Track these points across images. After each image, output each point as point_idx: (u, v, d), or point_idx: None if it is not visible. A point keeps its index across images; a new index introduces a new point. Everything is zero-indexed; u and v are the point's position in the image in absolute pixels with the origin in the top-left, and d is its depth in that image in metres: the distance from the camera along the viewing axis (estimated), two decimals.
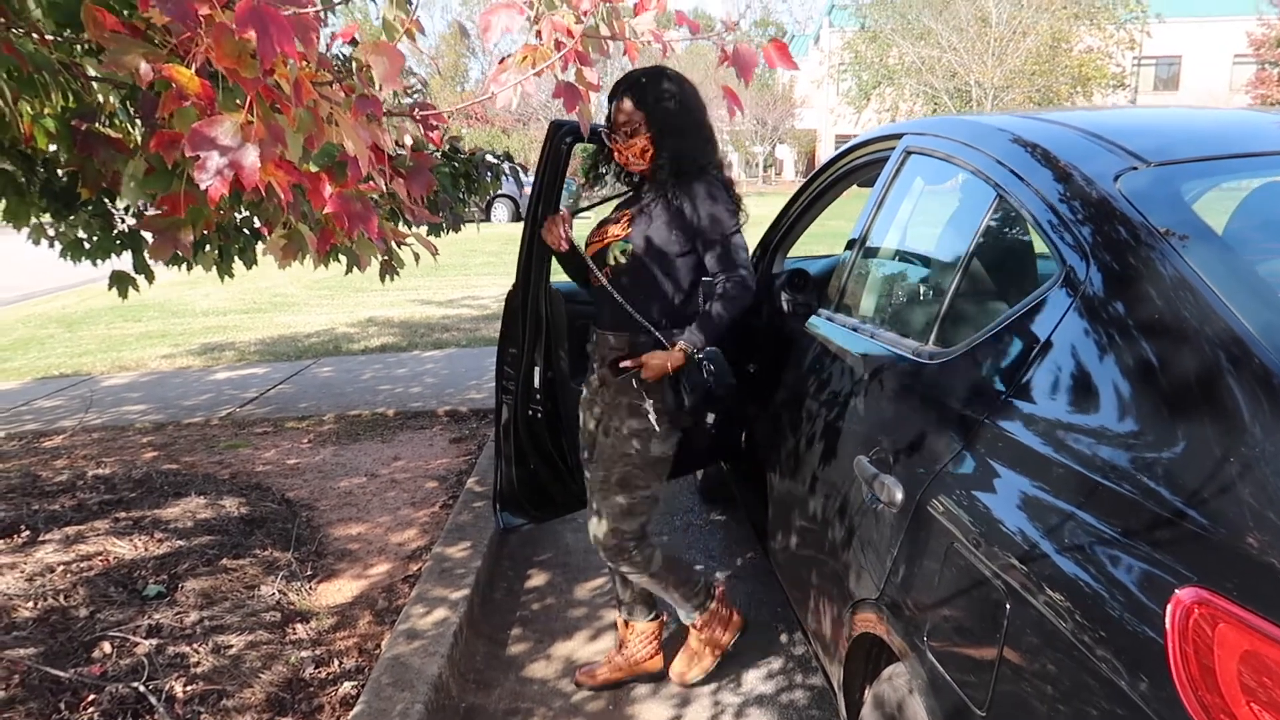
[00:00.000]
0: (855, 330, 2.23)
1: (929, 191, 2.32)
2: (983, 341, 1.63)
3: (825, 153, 52.21)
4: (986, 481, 1.44)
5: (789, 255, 3.34)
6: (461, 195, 3.07)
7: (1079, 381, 1.37)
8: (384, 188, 1.17)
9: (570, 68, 1.29)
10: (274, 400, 5.69)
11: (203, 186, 0.88)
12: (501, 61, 1.18)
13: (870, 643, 1.81)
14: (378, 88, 1.01)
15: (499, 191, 23.26)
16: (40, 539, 3.28)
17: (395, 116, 1.24)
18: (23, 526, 3.36)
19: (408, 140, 1.23)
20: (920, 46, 34.23)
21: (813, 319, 2.53)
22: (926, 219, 2.29)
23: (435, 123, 1.34)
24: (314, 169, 1.10)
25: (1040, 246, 1.65)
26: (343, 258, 1.67)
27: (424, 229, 3.27)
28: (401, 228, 2.45)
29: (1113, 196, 1.48)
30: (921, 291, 2.18)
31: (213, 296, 10.69)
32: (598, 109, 1.75)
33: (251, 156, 0.88)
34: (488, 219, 22.99)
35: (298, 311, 9.31)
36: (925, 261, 2.24)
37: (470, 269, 12.63)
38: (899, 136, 2.42)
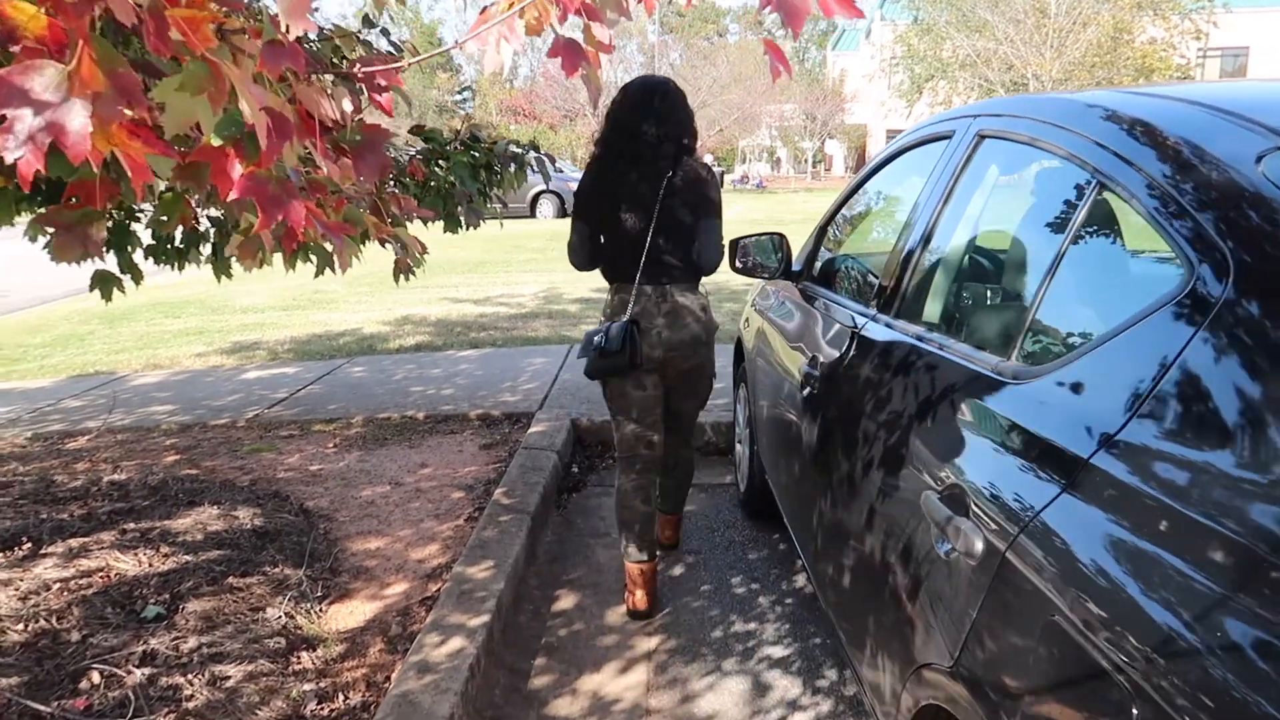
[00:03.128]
0: (920, 340, 1.94)
1: (1007, 181, 2.03)
2: (1085, 360, 1.34)
3: (876, 148, 51.39)
4: (1097, 538, 1.15)
5: (845, 251, 3.05)
6: (482, 188, 2.82)
7: (1215, 415, 1.08)
8: (325, 169, 0.92)
9: (574, 23, 1.03)
10: (303, 401, 5.52)
11: (9, 159, 0.63)
12: (483, 12, 0.93)
13: (938, 713, 1.53)
14: (284, 29, 0.76)
15: (544, 187, 23.06)
16: (42, 551, 3.11)
17: (333, 76, 0.98)
18: (25, 538, 3.19)
19: (348, 106, 0.97)
20: (975, 39, 33.47)
21: (870, 325, 2.24)
22: (1004, 213, 1.99)
23: (384, 82, 1.08)
24: (217, 142, 0.86)
25: (1153, 244, 1.35)
26: (314, 258, 1.43)
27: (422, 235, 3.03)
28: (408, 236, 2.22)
29: (1256, 183, 1.18)
30: (1001, 297, 1.89)
31: (255, 293, 10.63)
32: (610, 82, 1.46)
33: (78, 118, 0.63)
34: (532, 215, 22.87)
35: (335, 309, 9.18)
36: (1005, 262, 1.94)
37: (513, 265, 12.45)
38: (972, 118, 2.12)
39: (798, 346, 2.81)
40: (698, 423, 3.51)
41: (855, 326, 2.31)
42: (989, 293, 1.94)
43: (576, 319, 7.90)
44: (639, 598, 3.07)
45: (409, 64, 1.16)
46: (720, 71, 39.85)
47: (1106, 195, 1.47)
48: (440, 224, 3.03)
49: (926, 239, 2.12)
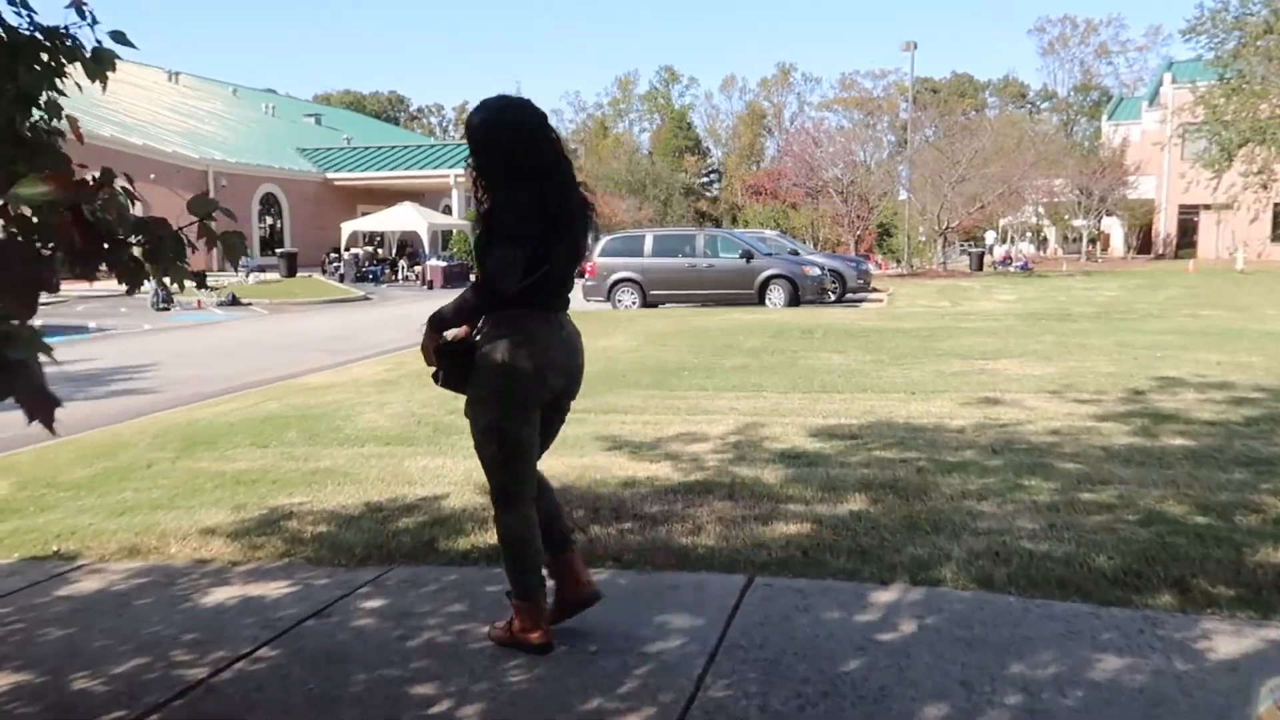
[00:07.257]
0: None
1: None
2: None
3: (1166, 225, 44.73)
4: None
5: None
6: None
7: None
8: None
9: None
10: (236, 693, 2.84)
11: None
12: None
13: None
14: None
15: (777, 270, 20.07)
16: None
17: None
18: None
19: None
20: None
21: None
22: None
23: None
24: None
25: None
26: None
27: None
28: None
29: None
30: None
31: (390, 407, 8.44)
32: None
33: None
34: (760, 302, 20.17)
35: (444, 446, 6.67)
36: None
37: (714, 376, 9.58)
38: None
39: None
40: None
41: None
42: None
43: (780, 497, 4.82)
44: (548, 630, 3.09)
45: None
46: (982, 143, 35.73)
47: None
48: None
49: None
